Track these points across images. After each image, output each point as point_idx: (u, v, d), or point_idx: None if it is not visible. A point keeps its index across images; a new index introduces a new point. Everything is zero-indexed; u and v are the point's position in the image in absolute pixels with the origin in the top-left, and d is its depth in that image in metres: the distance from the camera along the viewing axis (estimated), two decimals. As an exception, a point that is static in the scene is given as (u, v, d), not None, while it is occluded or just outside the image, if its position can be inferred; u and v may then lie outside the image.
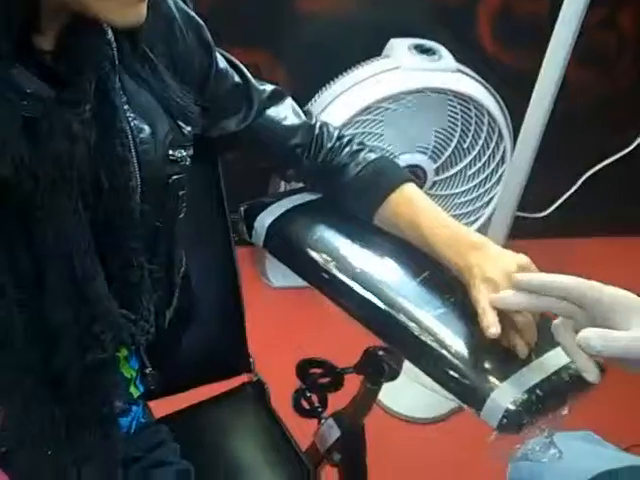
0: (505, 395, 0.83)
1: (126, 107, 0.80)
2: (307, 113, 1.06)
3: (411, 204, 0.98)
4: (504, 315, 0.85)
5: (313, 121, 1.05)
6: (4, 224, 0.71)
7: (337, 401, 1.26)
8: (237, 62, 1.00)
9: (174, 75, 0.87)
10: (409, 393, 1.80)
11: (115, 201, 0.78)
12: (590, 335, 0.73)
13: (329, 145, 1.04)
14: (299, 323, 2.08)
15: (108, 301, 0.78)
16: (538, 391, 0.84)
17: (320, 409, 1.24)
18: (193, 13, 0.91)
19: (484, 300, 0.86)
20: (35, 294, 0.74)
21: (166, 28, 0.87)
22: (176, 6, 0.88)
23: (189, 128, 0.87)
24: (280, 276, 2.21)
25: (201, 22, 0.93)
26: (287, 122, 1.02)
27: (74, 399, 0.79)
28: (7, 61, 0.68)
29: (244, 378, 1.16)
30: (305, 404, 1.25)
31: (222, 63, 0.97)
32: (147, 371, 0.96)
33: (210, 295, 1.11)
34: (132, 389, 0.92)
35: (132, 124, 0.80)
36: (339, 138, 1.05)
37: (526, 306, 0.82)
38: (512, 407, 0.83)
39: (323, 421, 1.25)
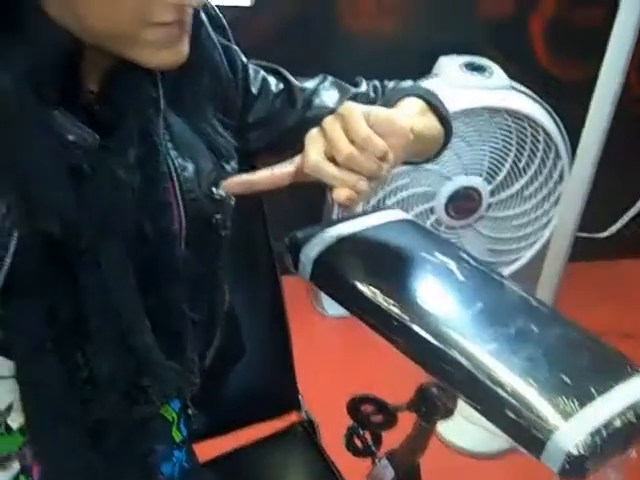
0: (567, 438, 0.77)
1: (170, 145, 0.77)
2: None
3: None
4: None
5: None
6: (46, 274, 0.67)
7: (392, 440, 1.21)
8: (275, 67, 0.96)
9: (216, 109, 0.84)
10: (470, 427, 1.73)
11: (159, 248, 0.75)
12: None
13: None
14: (351, 355, 2.03)
15: (156, 352, 0.74)
16: (603, 433, 0.77)
17: (374, 448, 1.19)
18: (225, 41, 0.87)
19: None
20: (78, 344, 0.71)
21: (209, 59, 0.84)
22: (211, 35, 0.84)
23: (231, 165, 0.84)
24: (335, 304, 2.16)
25: (234, 46, 0.89)
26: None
27: (115, 449, 0.76)
28: (51, 106, 0.65)
29: (293, 417, 1.12)
30: (358, 443, 1.20)
31: (256, 83, 0.92)
32: (190, 412, 0.93)
33: (256, 331, 1.07)
34: (174, 433, 0.89)
35: (176, 162, 0.77)
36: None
37: None
38: (575, 451, 0.76)
39: (377, 461, 1.19)
